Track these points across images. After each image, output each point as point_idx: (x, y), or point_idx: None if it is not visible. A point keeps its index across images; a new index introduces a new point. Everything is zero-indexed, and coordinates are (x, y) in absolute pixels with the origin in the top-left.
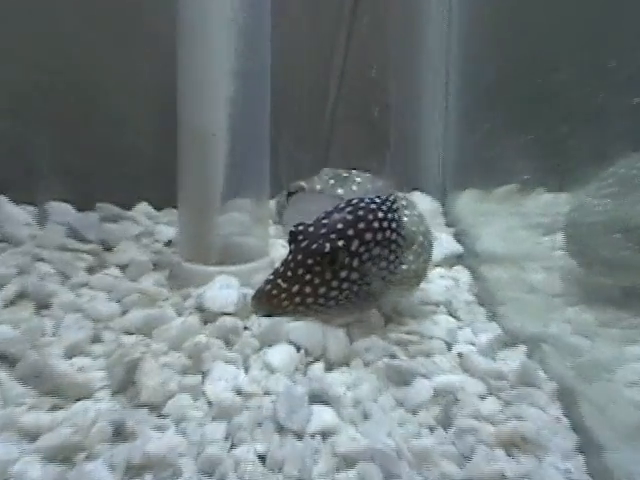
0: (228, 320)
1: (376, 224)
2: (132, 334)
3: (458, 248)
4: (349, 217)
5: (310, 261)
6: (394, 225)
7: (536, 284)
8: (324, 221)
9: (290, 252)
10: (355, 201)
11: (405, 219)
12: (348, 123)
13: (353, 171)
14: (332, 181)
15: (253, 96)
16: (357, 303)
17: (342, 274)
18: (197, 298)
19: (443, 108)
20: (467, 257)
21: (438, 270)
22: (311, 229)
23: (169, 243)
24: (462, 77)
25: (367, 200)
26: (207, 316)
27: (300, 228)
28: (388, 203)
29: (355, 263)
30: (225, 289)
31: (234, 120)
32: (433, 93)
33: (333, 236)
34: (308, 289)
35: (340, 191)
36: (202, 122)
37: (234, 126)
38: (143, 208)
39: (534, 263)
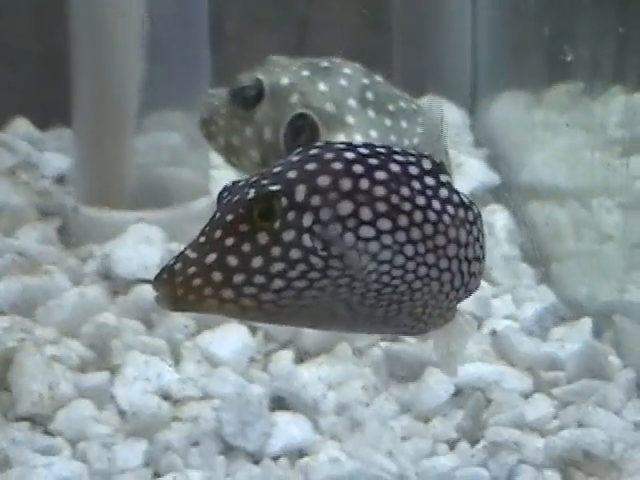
0: (148, 291)
1: (339, 165)
2: (4, 314)
3: (493, 178)
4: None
5: (230, 217)
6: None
7: (609, 230)
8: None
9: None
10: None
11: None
12: None
13: (336, 60)
14: (305, 72)
15: None
16: (337, 300)
17: (286, 236)
18: (102, 260)
19: None
20: (506, 191)
21: None
22: (242, 183)
23: (60, 179)
24: None
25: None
26: (116, 286)
27: (229, 184)
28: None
29: (306, 222)
30: (143, 246)
31: None
32: None
33: (266, 181)
34: (234, 260)
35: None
36: None
37: (154, 1)
38: (21, 127)
39: (607, 199)
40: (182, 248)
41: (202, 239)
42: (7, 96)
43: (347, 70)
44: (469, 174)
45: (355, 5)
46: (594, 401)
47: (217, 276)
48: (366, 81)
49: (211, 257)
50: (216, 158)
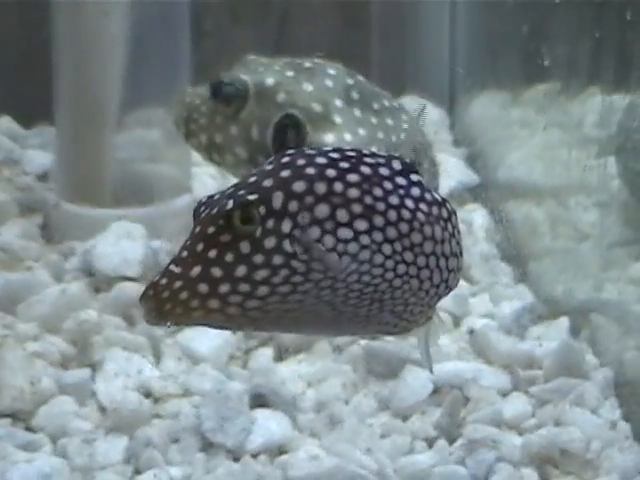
0: (129, 288)
1: (312, 170)
2: None
3: (472, 177)
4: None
5: (211, 229)
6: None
7: (586, 228)
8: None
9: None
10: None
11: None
12: None
13: (317, 60)
14: (290, 72)
15: None
16: (322, 304)
17: (267, 243)
18: (83, 256)
19: None
20: (485, 190)
21: None
22: (217, 196)
23: (43, 176)
24: None
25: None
26: (98, 282)
27: (204, 199)
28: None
29: (285, 228)
30: (125, 242)
31: None
32: None
33: (242, 192)
34: (217, 271)
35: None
36: None
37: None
38: (3, 124)
39: (584, 198)
40: (163, 244)
41: (184, 253)
42: None
43: (331, 70)
44: (448, 173)
45: (334, 2)
46: (571, 399)
47: (202, 288)
48: (350, 81)
49: (195, 270)
50: (197, 155)
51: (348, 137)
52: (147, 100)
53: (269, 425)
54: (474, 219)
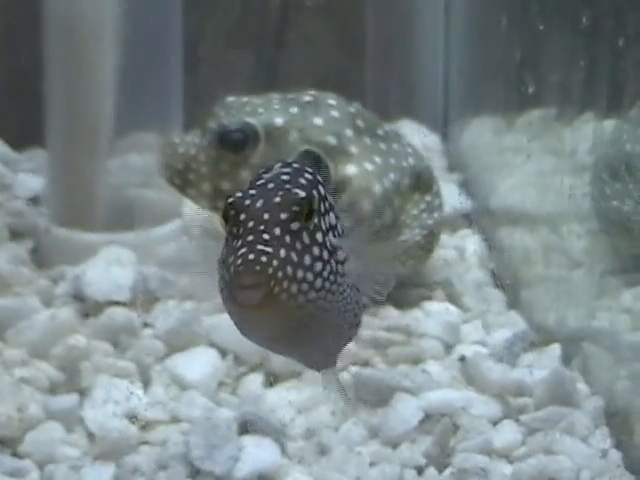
0: (119, 313)
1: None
2: None
3: (465, 203)
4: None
5: (284, 215)
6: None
7: (578, 256)
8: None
9: (235, 228)
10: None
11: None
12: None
13: (310, 91)
14: (294, 109)
15: None
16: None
17: (318, 237)
18: (73, 281)
19: None
20: (478, 216)
21: None
22: (253, 192)
23: (34, 200)
24: None
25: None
26: (88, 307)
27: (238, 198)
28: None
29: (324, 225)
30: (115, 267)
31: (129, 12)
32: None
33: (289, 186)
34: (295, 257)
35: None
36: (80, 20)
37: (130, 21)
38: None
39: (576, 225)
40: (153, 270)
41: (265, 236)
42: None
43: (331, 101)
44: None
45: (329, 26)
46: (561, 428)
47: (299, 273)
48: (352, 109)
49: (282, 252)
50: None
51: (369, 166)
52: (139, 125)
53: (258, 452)
54: (467, 245)
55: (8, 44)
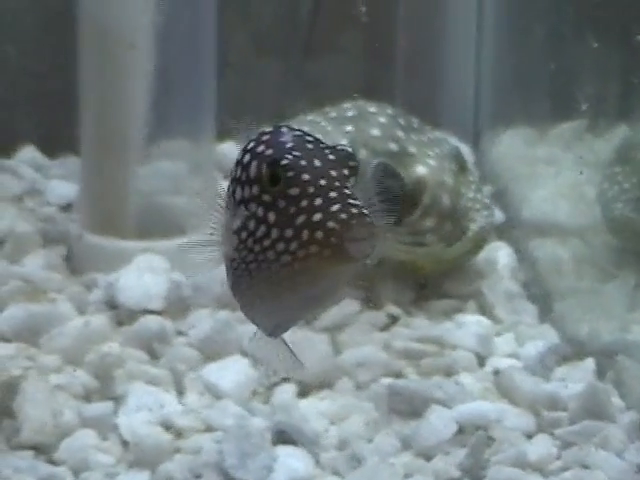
0: (152, 321)
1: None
2: (9, 341)
3: (497, 215)
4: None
5: (346, 172)
6: None
7: (612, 268)
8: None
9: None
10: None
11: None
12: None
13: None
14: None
15: None
16: None
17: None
18: (107, 289)
19: (475, 9)
20: (510, 228)
21: None
22: (298, 153)
23: (66, 207)
24: None
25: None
26: (121, 315)
27: (291, 159)
28: None
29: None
30: (148, 275)
31: (163, 25)
32: None
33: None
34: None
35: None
36: (115, 27)
37: (163, 34)
38: (27, 154)
39: (610, 237)
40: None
41: (345, 190)
42: (15, 123)
43: (371, 109)
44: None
45: (360, 37)
46: (596, 442)
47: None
48: (390, 111)
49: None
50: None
51: (431, 162)
52: (172, 132)
53: (291, 462)
54: (499, 257)
55: (42, 50)
